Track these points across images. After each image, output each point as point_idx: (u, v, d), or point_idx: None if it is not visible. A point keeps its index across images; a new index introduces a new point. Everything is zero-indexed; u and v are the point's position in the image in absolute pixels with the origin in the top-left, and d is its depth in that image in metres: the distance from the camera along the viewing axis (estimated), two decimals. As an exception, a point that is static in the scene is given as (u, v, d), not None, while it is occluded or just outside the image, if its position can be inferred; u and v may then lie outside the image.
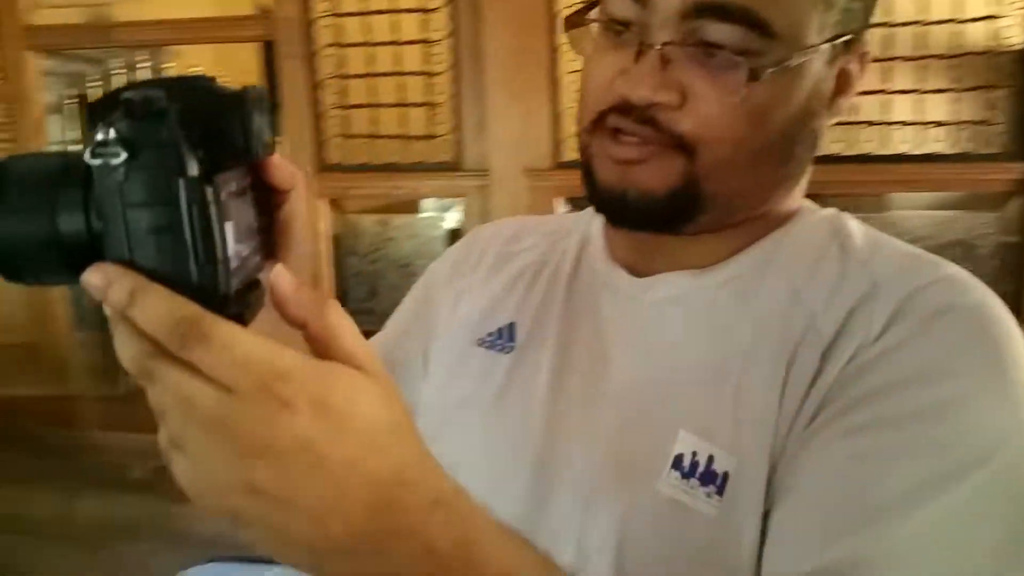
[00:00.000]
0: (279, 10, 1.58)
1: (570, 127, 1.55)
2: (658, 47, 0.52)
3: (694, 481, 0.54)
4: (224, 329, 0.35)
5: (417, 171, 1.61)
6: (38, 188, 0.38)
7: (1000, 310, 0.53)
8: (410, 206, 1.74)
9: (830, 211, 0.63)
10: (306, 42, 1.59)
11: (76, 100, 1.77)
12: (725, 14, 0.50)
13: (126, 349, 0.36)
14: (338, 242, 1.67)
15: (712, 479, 0.54)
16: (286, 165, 0.46)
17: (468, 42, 1.53)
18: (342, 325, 0.39)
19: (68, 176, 0.38)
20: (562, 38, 0.59)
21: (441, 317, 0.70)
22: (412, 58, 1.58)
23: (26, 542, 1.81)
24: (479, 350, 0.65)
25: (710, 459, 0.54)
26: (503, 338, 0.66)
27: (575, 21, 0.57)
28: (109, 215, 0.37)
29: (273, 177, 0.45)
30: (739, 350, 0.55)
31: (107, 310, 0.37)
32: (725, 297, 0.58)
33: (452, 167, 1.58)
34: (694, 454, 0.55)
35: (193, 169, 0.36)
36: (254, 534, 0.37)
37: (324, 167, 1.63)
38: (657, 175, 0.53)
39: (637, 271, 0.61)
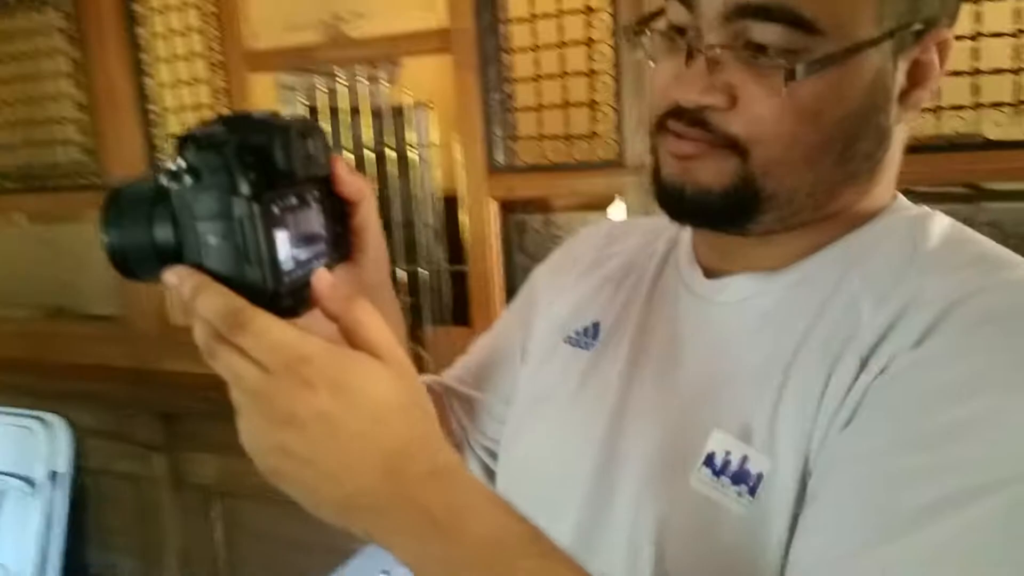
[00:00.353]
0: (454, 24, 1.68)
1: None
2: (705, 51, 0.53)
3: (725, 479, 0.54)
4: (260, 319, 0.44)
5: (581, 169, 1.64)
6: (140, 207, 0.48)
7: None
8: (577, 204, 1.78)
9: (917, 211, 0.60)
10: (478, 52, 1.68)
11: (308, 110, 1.98)
12: (768, 14, 0.50)
13: (197, 334, 0.46)
14: (506, 241, 1.75)
15: (745, 479, 0.54)
16: (353, 180, 0.55)
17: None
18: (367, 320, 0.47)
19: (159, 197, 0.47)
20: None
21: (539, 315, 0.77)
22: (576, 59, 1.62)
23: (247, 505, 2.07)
24: (565, 347, 0.71)
25: (743, 459, 0.54)
26: (588, 336, 0.71)
27: (637, 30, 0.59)
28: (184, 227, 0.47)
29: (342, 191, 0.54)
30: (789, 353, 0.55)
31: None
32: (792, 300, 0.58)
33: (615, 164, 1.60)
34: (727, 453, 0.55)
35: (244, 189, 0.45)
36: (289, 489, 0.46)
37: (494, 169, 1.70)
38: (713, 173, 0.55)
39: (714, 272, 0.63)
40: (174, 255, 0.48)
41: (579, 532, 0.61)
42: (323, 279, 0.48)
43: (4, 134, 2.30)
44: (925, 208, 0.61)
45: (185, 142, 0.46)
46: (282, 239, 0.47)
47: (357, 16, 2.20)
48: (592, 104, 1.61)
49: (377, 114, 1.97)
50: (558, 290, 0.76)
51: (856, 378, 0.51)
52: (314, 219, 0.51)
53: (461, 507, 0.46)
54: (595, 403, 0.65)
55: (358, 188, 0.56)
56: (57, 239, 2.37)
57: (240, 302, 0.45)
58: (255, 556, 2.09)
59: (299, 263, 0.49)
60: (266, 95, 1.91)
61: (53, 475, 2.23)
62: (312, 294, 0.48)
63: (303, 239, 0.49)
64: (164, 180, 0.46)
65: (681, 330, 0.63)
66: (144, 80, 2.06)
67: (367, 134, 1.92)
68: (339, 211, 0.55)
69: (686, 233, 0.67)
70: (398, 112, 1.92)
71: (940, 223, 0.58)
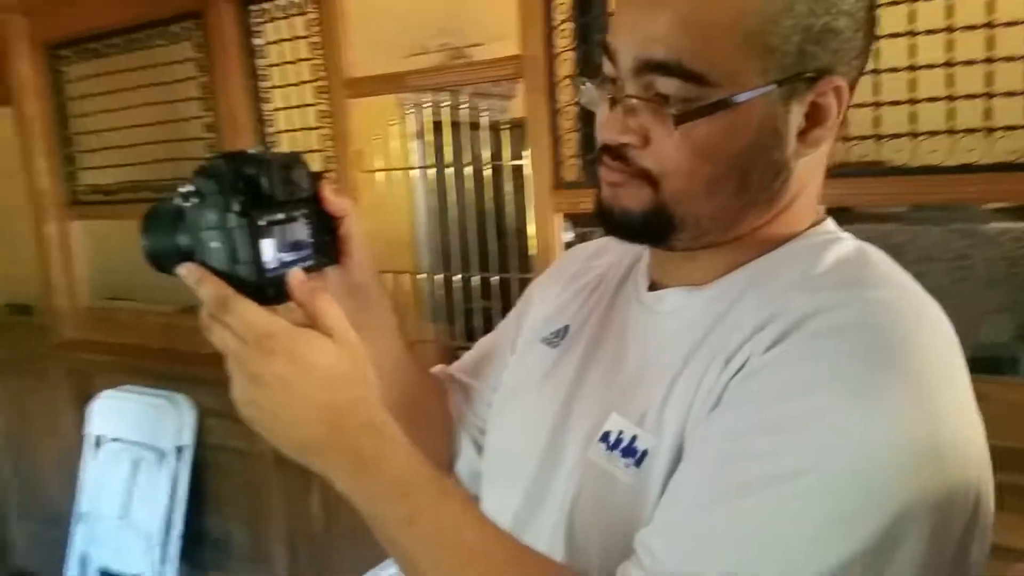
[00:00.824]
0: (524, 51, 1.85)
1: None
2: (623, 100, 0.63)
3: (616, 453, 0.67)
4: (240, 304, 0.60)
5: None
6: (166, 220, 0.64)
7: (917, 336, 0.57)
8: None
9: (827, 237, 0.68)
10: (546, 76, 1.84)
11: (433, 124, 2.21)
12: (667, 69, 0.60)
13: (201, 315, 0.62)
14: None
15: (633, 453, 0.66)
16: (336, 200, 0.72)
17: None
18: (325, 307, 0.62)
19: (179, 213, 0.63)
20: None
21: (529, 317, 0.91)
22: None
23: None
24: (540, 346, 0.85)
25: (634, 438, 0.67)
26: (557, 337, 0.84)
27: (578, 80, 0.74)
28: (194, 235, 0.63)
29: (328, 208, 0.71)
30: (688, 354, 0.66)
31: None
32: (705, 311, 0.67)
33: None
34: (620, 432, 0.68)
35: (235, 207, 0.61)
36: (261, 433, 0.62)
37: (559, 184, 1.86)
38: (633, 198, 0.65)
39: (658, 285, 0.73)
40: (189, 255, 0.63)
41: (526, 501, 0.74)
42: (295, 276, 0.63)
43: (148, 150, 2.63)
44: (840, 234, 0.68)
45: (196, 173, 0.63)
46: (267, 245, 0.62)
47: (442, 43, 2.42)
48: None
49: (494, 129, 2.18)
50: (546, 297, 0.88)
51: (720, 375, 0.62)
52: (300, 230, 0.67)
53: (383, 453, 0.60)
54: (552, 393, 0.77)
55: (341, 206, 0.72)
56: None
57: (228, 290, 0.60)
58: (350, 529, 2.30)
59: (284, 263, 0.64)
60: (362, 118, 2.14)
61: (179, 448, 2.54)
62: (288, 287, 0.63)
63: (288, 245, 0.65)
64: (180, 201, 0.63)
65: (628, 334, 0.74)
66: (261, 105, 2.33)
67: (479, 148, 2.13)
68: (327, 224, 0.71)
69: (647, 251, 0.77)
70: (514, 126, 2.12)
71: (841, 249, 0.66)
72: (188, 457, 2.55)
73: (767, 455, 0.56)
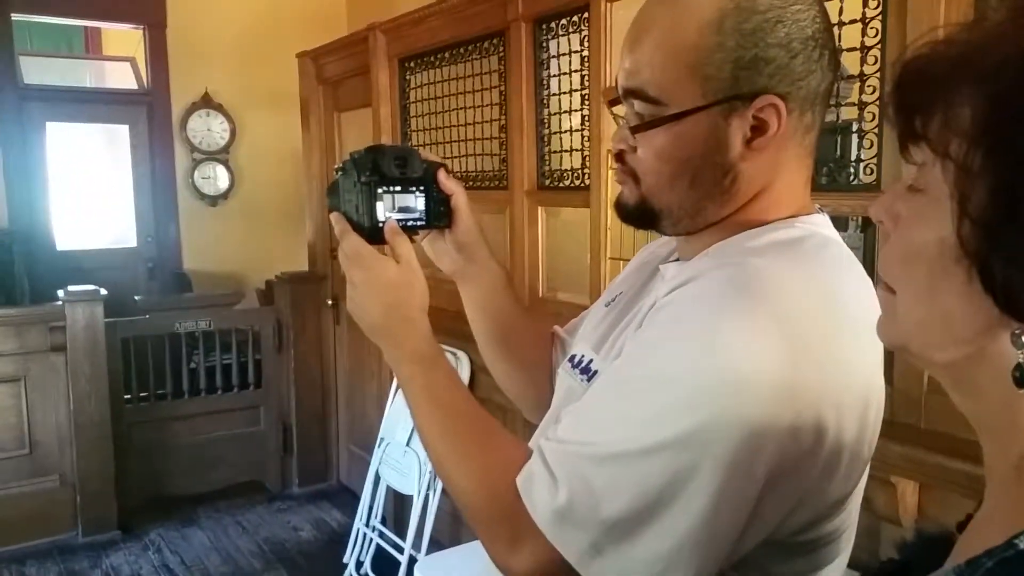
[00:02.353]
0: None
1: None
2: (620, 119, 0.89)
3: (576, 371, 0.96)
4: (350, 235, 0.98)
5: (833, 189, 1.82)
6: (334, 186, 1.00)
7: (775, 292, 0.71)
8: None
9: (788, 224, 0.81)
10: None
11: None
12: (636, 95, 0.80)
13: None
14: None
15: (587, 372, 0.94)
16: (447, 182, 1.02)
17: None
18: (400, 244, 0.96)
19: (336, 182, 1.01)
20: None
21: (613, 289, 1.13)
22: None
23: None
24: (602, 308, 1.10)
25: (590, 361, 0.95)
26: (613, 301, 1.08)
27: (609, 108, 0.96)
28: (341, 195, 1.01)
29: (441, 187, 1.01)
30: (647, 307, 0.84)
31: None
32: (679, 278, 0.81)
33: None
34: (582, 357, 0.97)
35: (361, 178, 0.95)
36: (354, 318, 0.95)
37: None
38: (628, 193, 0.85)
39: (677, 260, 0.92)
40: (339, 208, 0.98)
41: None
42: (389, 226, 0.96)
43: (461, 146, 3.14)
44: (807, 226, 0.81)
45: (347, 158, 0.98)
46: (380, 205, 0.96)
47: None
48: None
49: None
50: (624, 272, 1.09)
51: (645, 315, 0.82)
52: (411, 200, 0.99)
53: (409, 335, 0.90)
54: (589, 341, 0.99)
55: (450, 187, 1.03)
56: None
57: (347, 227, 0.95)
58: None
59: (388, 220, 0.96)
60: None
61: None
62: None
63: (401, 209, 0.98)
64: (337, 175, 0.99)
65: (644, 296, 0.94)
66: (542, 110, 2.70)
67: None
68: (441, 199, 1.03)
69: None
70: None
71: (788, 233, 0.79)
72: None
73: (634, 363, 0.77)
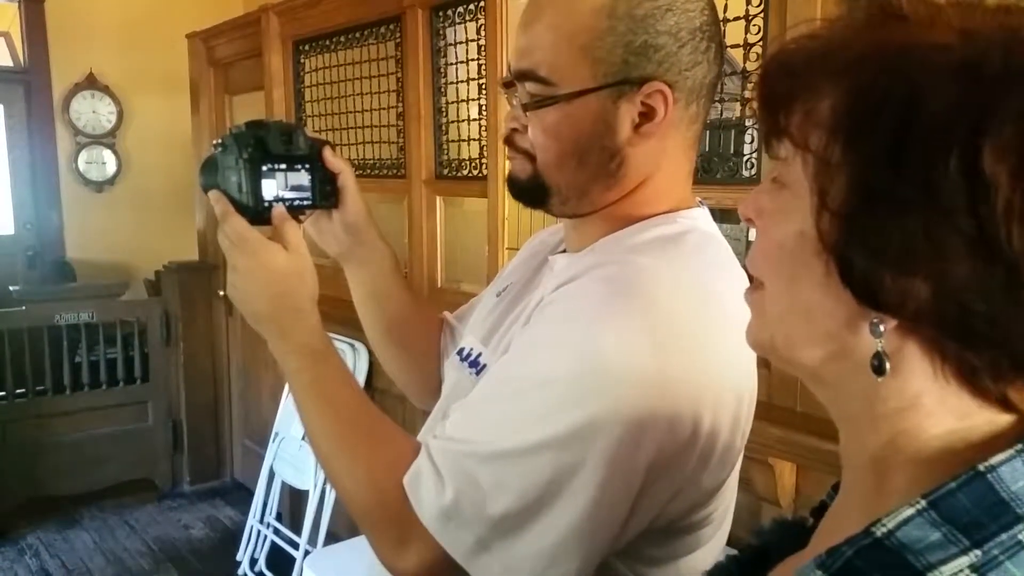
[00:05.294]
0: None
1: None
2: (513, 100, 0.88)
3: (464, 364, 0.95)
4: (233, 217, 0.92)
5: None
6: (211, 164, 0.94)
7: (652, 291, 0.73)
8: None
9: (668, 219, 0.83)
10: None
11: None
12: (527, 76, 0.81)
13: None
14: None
15: (476, 365, 0.93)
16: (334, 160, 0.99)
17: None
18: (288, 229, 0.92)
19: (214, 159, 0.94)
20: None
21: (502, 275, 1.12)
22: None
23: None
24: (492, 297, 1.08)
25: (479, 355, 0.94)
26: (503, 291, 1.07)
27: (503, 88, 0.95)
28: (221, 173, 0.95)
29: (327, 165, 0.98)
30: (535, 302, 0.89)
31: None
32: (567, 273, 0.82)
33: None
34: (471, 349, 0.96)
35: (244, 155, 0.89)
36: (237, 307, 0.91)
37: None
38: (520, 169, 0.89)
39: (567, 252, 0.96)
40: (217, 187, 0.92)
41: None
42: (277, 211, 0.92)
43: (356, 133, 3.08)
44: (688, 221, 0.83)
45: (225, 133, 0.92)
46: (268, 184, 0.91)
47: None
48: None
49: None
50: (515, 261, 1.09)
51: (532, 311, 0.83)
52: (301, 178, 0.94)
53: (296, 328, 0.87)
54: (479, 331, 0.99)
55: (337, 165, 0.99)
56: (379, 218, 3.10)
57: (229, 208, 0.90)
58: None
59: (281, 199, 0.92)
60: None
61: (348, 388, 2.96)
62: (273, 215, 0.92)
63: (289, 187, 0.93)
64: (214, 150, 0.93)
65: (532, 288, 0.94)
66: (439, 99, 2.67)
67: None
68: (328, 178, 0.98)
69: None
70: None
71: (668, 230, 0.81)
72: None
73: (519, 362, 0.77)
